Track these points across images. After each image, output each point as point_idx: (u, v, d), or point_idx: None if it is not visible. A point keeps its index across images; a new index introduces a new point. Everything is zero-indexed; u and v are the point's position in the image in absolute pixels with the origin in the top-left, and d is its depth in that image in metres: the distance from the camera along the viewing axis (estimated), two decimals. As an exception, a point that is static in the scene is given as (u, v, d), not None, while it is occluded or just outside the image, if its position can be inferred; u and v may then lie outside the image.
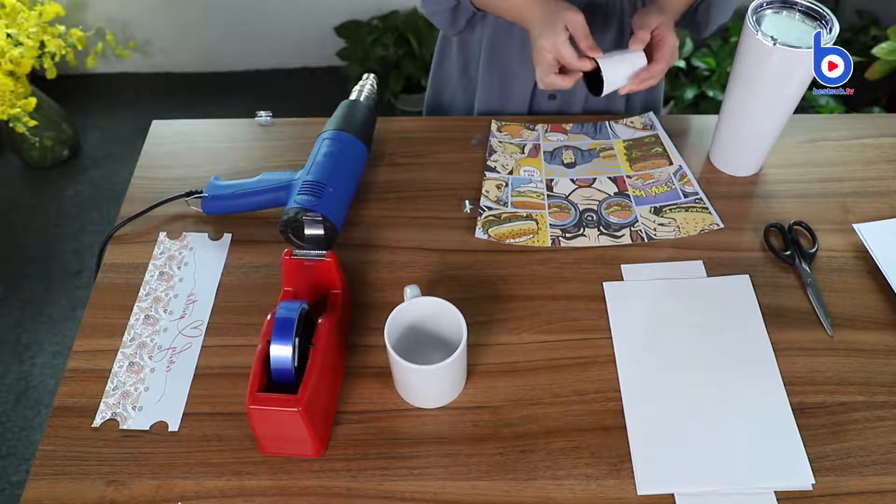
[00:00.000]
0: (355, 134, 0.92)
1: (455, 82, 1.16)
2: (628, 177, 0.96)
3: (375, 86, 1.00)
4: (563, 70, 0.88)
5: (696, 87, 2.03)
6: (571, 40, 0.86)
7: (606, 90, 0.87)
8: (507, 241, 0.89)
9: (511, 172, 0.97)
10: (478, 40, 1.08)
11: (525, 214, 0.92)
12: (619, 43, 1.03)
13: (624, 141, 1.01)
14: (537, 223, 0.91)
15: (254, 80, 2.45)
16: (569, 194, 0.94)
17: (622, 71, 0.87)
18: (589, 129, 1.03)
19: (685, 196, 0.93)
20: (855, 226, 0.88)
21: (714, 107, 1.93)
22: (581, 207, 0.93)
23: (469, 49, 1.11)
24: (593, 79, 0.88)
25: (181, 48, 2.41)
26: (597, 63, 0.86)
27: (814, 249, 0.87)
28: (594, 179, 0.96)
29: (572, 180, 0.96)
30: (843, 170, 0.97)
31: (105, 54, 2.29)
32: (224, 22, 2.33)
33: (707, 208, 0.92)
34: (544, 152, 1.00)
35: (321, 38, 2.31)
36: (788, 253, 0.87)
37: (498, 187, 0.95)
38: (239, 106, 2.35)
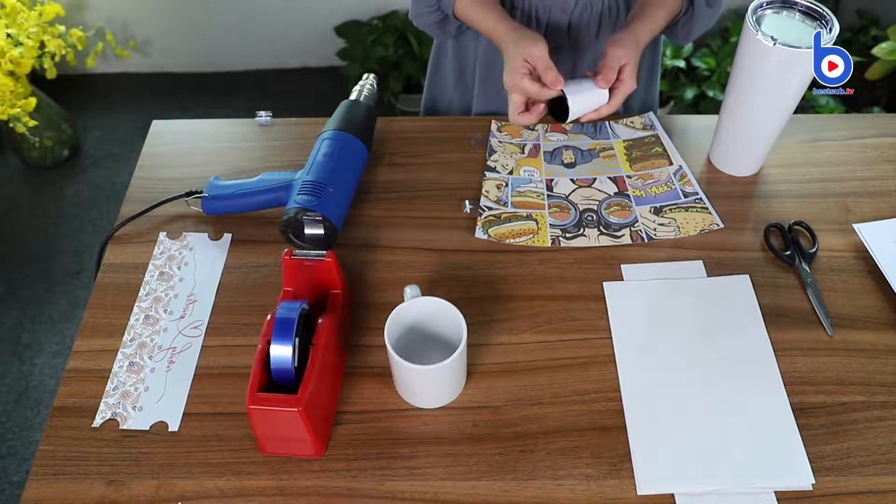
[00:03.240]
0: (355, 134, 0.92)
1: (451, 89, 1.16)
2: (628, 177, 0.96)
3: (375, 86, 1.00)
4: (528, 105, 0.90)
5: (696, 87, 2.03)
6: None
7: (571, 118, 0.88)
8: (507, 241, 0.89)
9: (511, 172, 0.97)
10: (473, 47, 1.09)
11: (525, 214, 0.92)
12: (592, 64, 1.04)
13: (624, 141, 1.01)
14: (537, 223, 0.91)
15: (254, 80, 2.45)
16: (569, 194, 0.94)
17: (586, 103, 0.88)
18: (589, 129, 1.03)
19: (685, 196, 0.93)
20: (855, 226, 0.88)
21: (714, 107, 1.93)
22: (581, 207, 0.93)
23: (464, 56, 1.11)
24: (557, 104, 0.88)
25: (181, 48, 2.41)
26: (563, 91, 0.87)
27: (814, 249, 0.87)
28: (594, 179, 0.96)
29: (572, 180, 0.96)
30: (843, 170, 0.97)
31: (105, 54, 2.29)
32: (224, 22, 2.33)
33: (707, 208, 0.92)
34: (544, 152, 1.00)
35: (321, 38, 2.31)
36: (788, 253, 0.87)
37: (498, 187, 0.95)
38: (239, 106, 2.35)
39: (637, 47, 0.89)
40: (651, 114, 1.05)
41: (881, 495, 0.68)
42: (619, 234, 0.90)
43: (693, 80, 2.07)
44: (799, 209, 0.92)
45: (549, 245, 0.89)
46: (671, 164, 0.97)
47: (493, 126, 1.03)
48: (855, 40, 2.00)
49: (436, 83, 1.20)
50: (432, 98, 1.22)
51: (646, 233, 0.89)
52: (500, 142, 1.01)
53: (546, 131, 1.03)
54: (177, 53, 2.42)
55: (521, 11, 1.00)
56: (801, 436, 0.72)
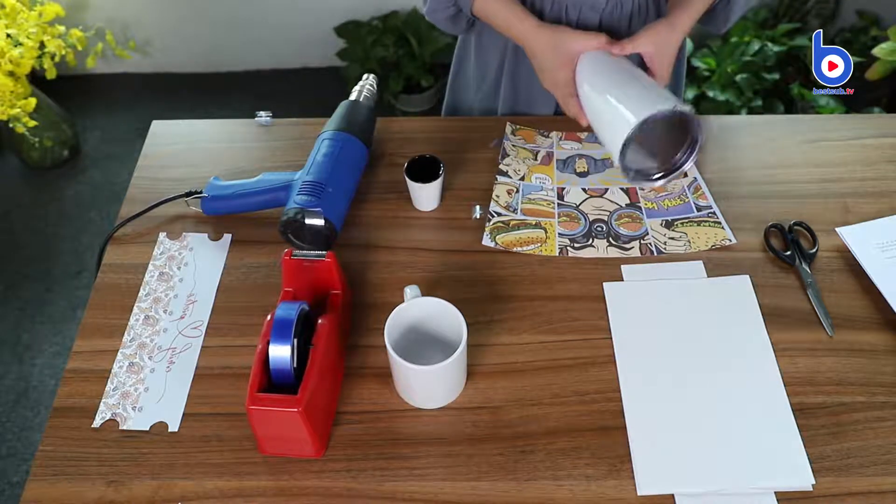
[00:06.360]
0: (355, 134, 0.92)
1: (472, 93, 1.15)
2: (641, 188, 0.95)
3: (375, 86, 1.00)
4: None
5: (696, 87, 2.03)
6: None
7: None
8: (515, 249, 0.88)
9: (523, 178, 0.96)
10: (496, 49, 1.07)
11: (534, 223, 0.91)
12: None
13: None
14: (546, 232, 0.90)
15: (254, 80, 2.44)
16: (579, 204, 0.93)
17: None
18: None
19: (698, 210, 0.92)
20: (838, 230, 0.87)
21: (714, 107, 1.93)
22: (591, 217, 0.92)
23: (487, 58, 1.09)
24: None
25: (181, 48, 2.40)
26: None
27: (814, 250, 0.87)
28: (606, 189, 0.95)
29: (584, 189, 0.95)
30: (843, 170, 0.97)
31: (105, 54, 2.29)
32: (224, 22, 2.33)
33: (720, 222, 0.90)
34: (557, 160, 0.99)
35: (321, 38, 2.31)
36: (789, 253, 0.87)
37: (508, 192, 0.94)
38: (239, 106, 2.35)
39: (670, 37, 0.87)
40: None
41: (881, 496, 0.68)
42: (628, 245, 0.89)
43: (693, 80, 2.07)
44: (799, 209, 0.92)
45: (557, 254, 0.88)
46: (686, 175, 0.96)
47: (508, 129, 1.03)
48: (855, 40, 2.00)
49: (457, 85, 1.18)
50: (454, 100, 1.20)
51: (656, 246, 0.88)
52: (513, 146, 1.00)
53: (560, 139, 1.02)
54: (177, 53, 2.42)
55: (550, 9, 0.99)
56: (801, 436, 0.72)
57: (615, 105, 0.80)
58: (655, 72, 0.87)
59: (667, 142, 0.82)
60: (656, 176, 0.83)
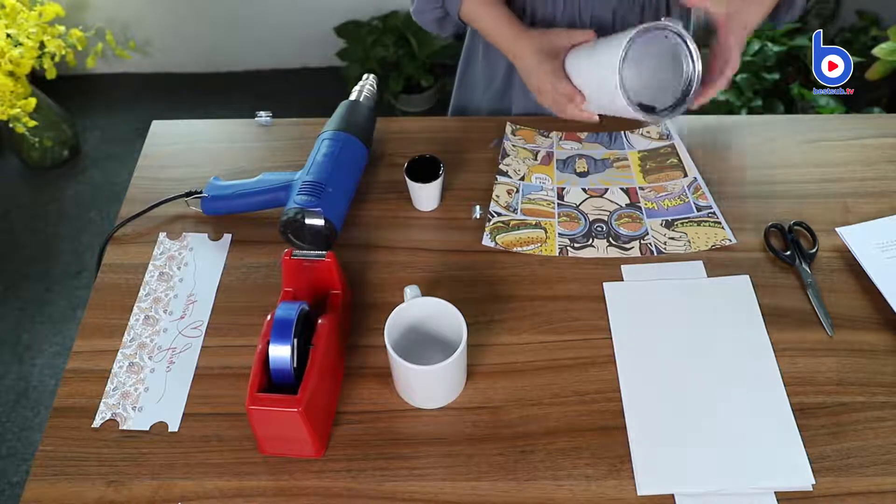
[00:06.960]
0: (355, 134, 0.92)
1: (480, 93, 1.15)
2: (641, 188, 0.95)
3: (375, 86, 1.00)
4: None
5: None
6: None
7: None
8: (515, 249, 0.88)
9: (523, 178, 0.96)
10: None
11: (534, 223, 0.91)
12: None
13: (639, 152, 1.00)
14: (546, 232, 0.90)
15: (254, 80, 2.44)
16: (579, 204, 0.93)
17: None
18: (604, 139, 1.02)
19: (698, 210, 0.92)
20: (838, 230, 0.87)
21: (714, 107, 1.93)
22: (591, 217, 0.92)
23: (495, 59, 1.09)
24: None
25: (181, 48, 2.41)
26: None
27: (814, 250, 0.87)
28: (606, 189, 0.95)
29: (584, 189, 0.95)
30: (843, 170, 0.97)
31: (105, 54, 2.29)
32: (224, 22, 2.33)
33: (720, 222, 0.90)
34: (557, 160, 0.99)
35: (321, 38, 2.31)
36: (788, 253, 0.87)
37: (508, 192, 0.94)
38: (239, 106, 2.35)
39: (741, 29, 0.89)
40: (668, 122, 1.03)
41: (881, 496, 0.68)
42: (628, 246, 0.89)
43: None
44: (799, 209, 0.92)
45: (557, 255, 0.88)
46: (686, 175, 0.96)
47: (508, 129, 1.03)
48: (855, 40, 2.00)
49: (464, 87, 1.18)
50: (461, 101, 1.20)
51: (656, 246, 0.88)
52: (513, 146, 1.00)
53: (560, 139, 1.02)
54: (177, 53, 2.42)
55: (563, 7, 0.99)
56: (801, 436, 0.72)
57: (604, 48, 0.82)
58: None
59: (671, 73, 0.85)
60: (674, 102, 0.86)
